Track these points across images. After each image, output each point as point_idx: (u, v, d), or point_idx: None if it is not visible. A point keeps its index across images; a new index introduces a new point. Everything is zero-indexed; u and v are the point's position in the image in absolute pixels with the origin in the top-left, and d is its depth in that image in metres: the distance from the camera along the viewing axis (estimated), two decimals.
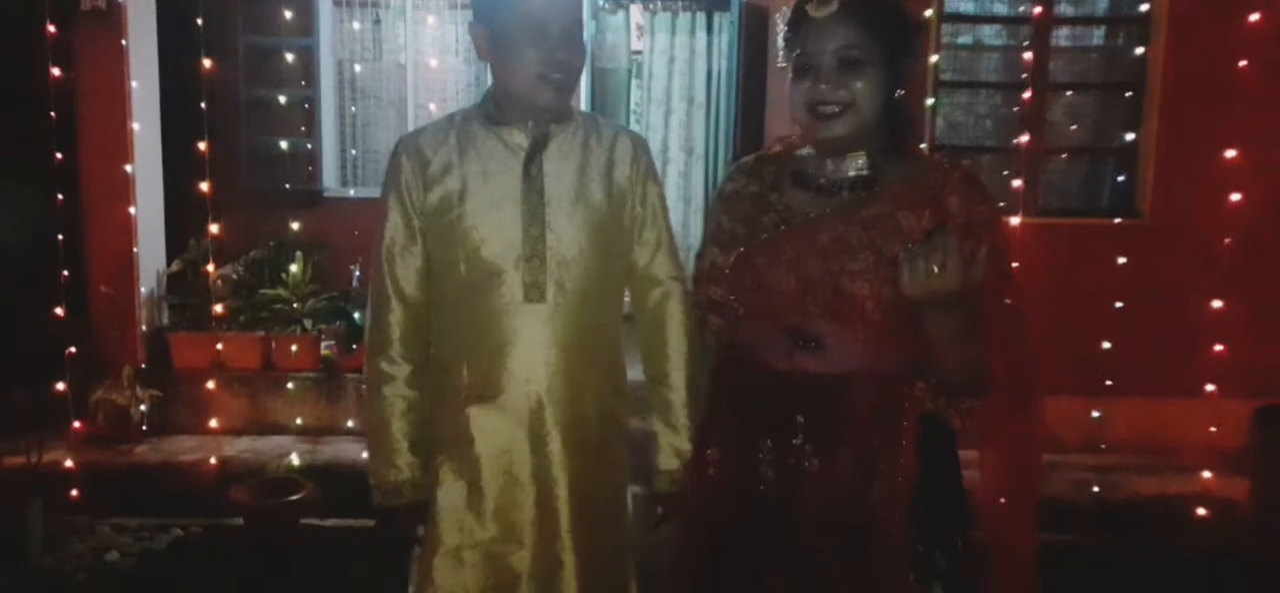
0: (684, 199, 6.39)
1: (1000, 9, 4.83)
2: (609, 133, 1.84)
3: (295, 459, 4.23)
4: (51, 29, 4.15)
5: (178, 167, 4.95)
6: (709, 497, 1.72)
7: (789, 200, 1.68)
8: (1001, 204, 4.41)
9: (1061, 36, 4.84)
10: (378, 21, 5.90)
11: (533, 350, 1.74)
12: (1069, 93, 4.94)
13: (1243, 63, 4.08)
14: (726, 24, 5.90)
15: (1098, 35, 4.93)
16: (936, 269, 1.41)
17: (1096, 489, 4.20)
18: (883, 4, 1.60)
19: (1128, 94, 4.71)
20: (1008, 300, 1.57)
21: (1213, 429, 4.19)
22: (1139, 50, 4.62)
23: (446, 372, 1.80)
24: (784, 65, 1.68)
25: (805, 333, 1.61)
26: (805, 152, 1.71)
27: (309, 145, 5.78)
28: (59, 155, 4.23)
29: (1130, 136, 4.66)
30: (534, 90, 1.69)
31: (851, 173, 1.64)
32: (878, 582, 1.57)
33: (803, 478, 1.61)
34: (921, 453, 1.59)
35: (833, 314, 1.59)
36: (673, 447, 1.83)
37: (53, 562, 3.49)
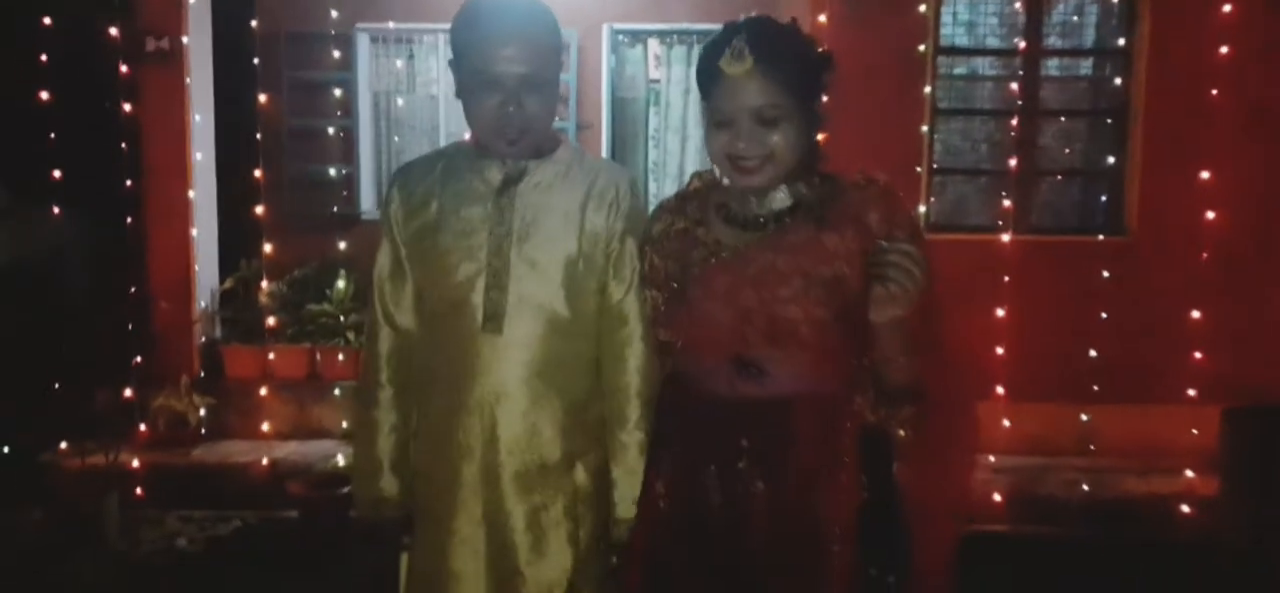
0: None
1: (993, 41, 5.16)
2: (593, 168, 1.82)
3: (341, 460, 4.59)
4: (124, 69, 4.57)
5: (227, 191, 5.38)
6: (660, 531, 1.71)
7: (717, 235, 1.70)
8: (999, 223, 4.78)
9: (1050, 67, 5.17)
10: (411, 57, 6.31)
11: (488, 380, 1.73)
12: (1063, 119, 5.26)
13: (1214, 91, 4.40)
14: None
15: (1084, 66, 5.27)
16: (904, 289, 1.47)
17: (1086, 488, 4.49)
18: (794, 55, 1.62)
19: (1108, 121, 5.04)
20: (930, 315, 1.61)
21: (1194, 432, 4.47)
22: (1117, 81, 4.94)
23: (420, 400, 1.84)
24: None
25: (746, 360, 1.63)
26: (726, 185, 1.74)
27: (348, 171, 6.19)
28: (128, 183, 4.65)
29: (1116, 159, 4.97)
30: (490, 140, 1.73)
31: (775, 207, 1.68)
32: None
33: (749, 501, 1.62)
34: (867, 473, 1.62)
35: (770, 341, 1.61)
36: (630, 496, 1.78)
37: (128, 547, 3.87)
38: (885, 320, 1.53)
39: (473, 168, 1.79)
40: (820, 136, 1.70)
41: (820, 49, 1.68)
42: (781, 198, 1.68)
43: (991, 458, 4.63)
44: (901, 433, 1.62)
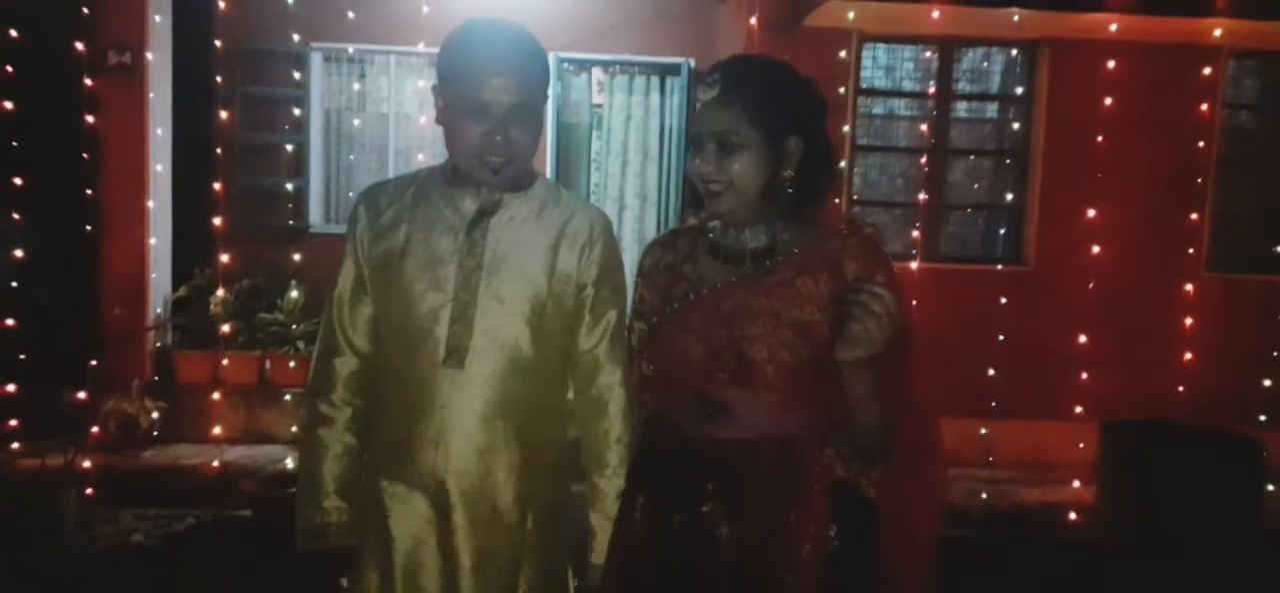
0: (638, 241, 7.07)
1: (908, 85, 5.61)
2: (568, 207, 1.80)
3: (290, 463, 4.79)
4: (88, 81, 4.75)
5: (179, 202, 5.56)
6: (631, 568, 1.71)
7: (701, 271, 1.72)
8: (912, 251, 5.20)
9: (960, 110, 5.65)
10: (363, 76, 6.55)
11: (444, 417, 1.69)
12: (970, 158, 5.74)
13: (1100, 138, 4.90)
14: (677, 87, 6.63)
15: (991, 110, 5.76)
16: (867, 329, 1.44)
17: (985, 496, 4.92)
18: (763, 89, 1.64)
19: (1007, 161, 5.53)
20: (902, 363, 1.58)
21: (1080, 445, 4.93)
22: (1015, 125, 5.45)
23: (373, 428, 1.78)
24: None
25: (712, 400, 1.63)
26: (714, 223, 1.74)
27: (299, 186, 6.40)
28: (88, 191, 4.82)
29: (1016, 196, 5.45)
30: (473, 167, 1.68)
31: (751, 245, 1.69)
32: None
33: (713, 546, 1.61)
34: (838, 524, 1.60)
35: (737, 380, 1.61)
36: (606, 542, 1.76)
37: (86, 541, 4.03)
38: (849, 360, 1.49)
39: (445, 197, 1.75)
40: (810, 172, 1.69)
41: (805, 92, 1.69)
42: (759, 236, 1.69)
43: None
44: (871, 492, 1.61)
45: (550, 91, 1.75)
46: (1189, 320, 5.15)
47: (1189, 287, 5.17)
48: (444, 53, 1.68)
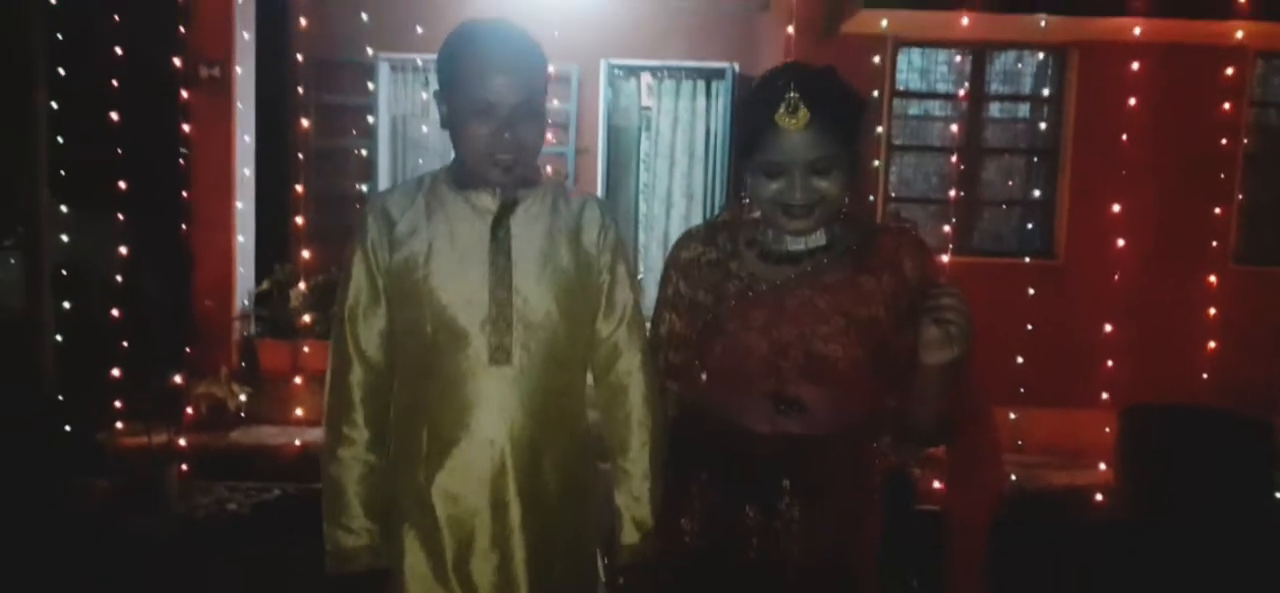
0: None
1: (943, 87, 5.87)
2: (577, 200, 1.83)
3: None
4: (182, 93, 5.22)
5: (260, 203, 6.03)
6: (685, 564, 1.72)
7: (751, 268, 1.72)
8: (949, 246, 5.46)
9: (993, 110, 5.89)
10: (427, 83, 6.96)
11: (497, 413, 1.71)
12: (1004, 156, 5.97)
13: (1127, 136, 5.12)
14: (722, 90, 6.94)
15: (1022, 110, 5.99)
16: (961, 327, 1.49)
17: (1015, 478, 5.16)
18: (844, 106, 1.63)
19: (1035, 159, 5.77)
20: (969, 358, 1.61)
21: (1106, 431, 5.15)
22: (1046, 125, 5.68)
23: (408, 435, 1.76)
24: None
25: (785, 397, 1.64)
26: (755, 219, 1.74)
27: (368, 188, 6.82)
28: (183, 194, 5.29)
29: (1047, 192, 5.68)
30: (483, 167, 1.69)
31: (811, 245, 1.70)
32: None
33: (789, 539, 1.65)
34: (889, 507, 1.71)
35: (808, 376, 1.63)
36: (634, 519, 1.79)
37: (186, 510, 4.49)
38: (938, 362, 1.53)
39: (461, 198, 1.76)
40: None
41: (859, 95, 1.71)
42: (817, 236, 1.69)
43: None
44: (915, 471, 1.85)
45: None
46: (1214, 312, 5.33)
47: (1214, 279, 5.35)
48: (444, 57, 1.70)
